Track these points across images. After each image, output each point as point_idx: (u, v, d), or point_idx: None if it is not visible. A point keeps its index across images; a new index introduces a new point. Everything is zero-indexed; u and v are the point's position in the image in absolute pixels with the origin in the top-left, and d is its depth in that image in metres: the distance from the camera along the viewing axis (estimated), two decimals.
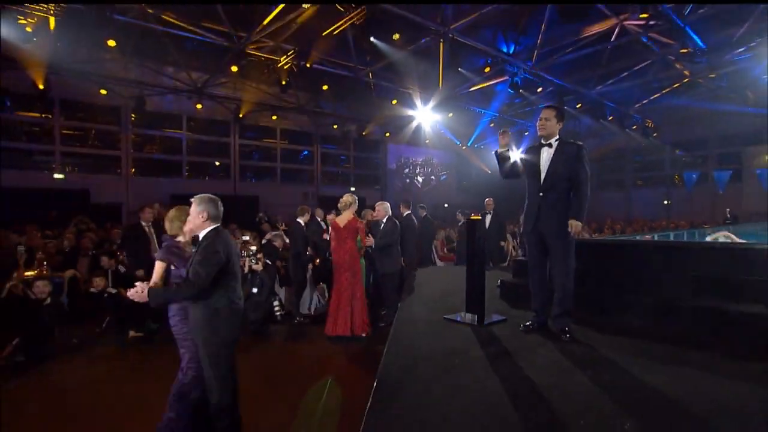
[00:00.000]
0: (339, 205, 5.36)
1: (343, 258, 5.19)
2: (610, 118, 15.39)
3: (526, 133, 18.17)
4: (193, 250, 2.81)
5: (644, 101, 14.89)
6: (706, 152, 16.31)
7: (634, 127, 16.11)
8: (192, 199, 2.81)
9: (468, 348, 3.05)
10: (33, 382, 4.34)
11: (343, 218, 5.27)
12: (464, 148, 19.21)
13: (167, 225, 3.16)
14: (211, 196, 2.87)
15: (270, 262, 6.40)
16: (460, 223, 8.90)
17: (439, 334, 3.38)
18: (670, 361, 2.69)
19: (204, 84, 12.78)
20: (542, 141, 3.31)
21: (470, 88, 14.21)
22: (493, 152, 3.53)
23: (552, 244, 3.17)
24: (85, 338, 5.36)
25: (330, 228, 5.70)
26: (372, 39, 10.03)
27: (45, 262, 5.93)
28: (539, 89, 13.22)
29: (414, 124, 15.88)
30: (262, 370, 4.49)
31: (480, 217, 3.93)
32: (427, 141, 18.16)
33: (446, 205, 18.53)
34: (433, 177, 19.97)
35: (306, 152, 16.67)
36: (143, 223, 6.07)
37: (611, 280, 3.97)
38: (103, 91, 11.57)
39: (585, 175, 3.16)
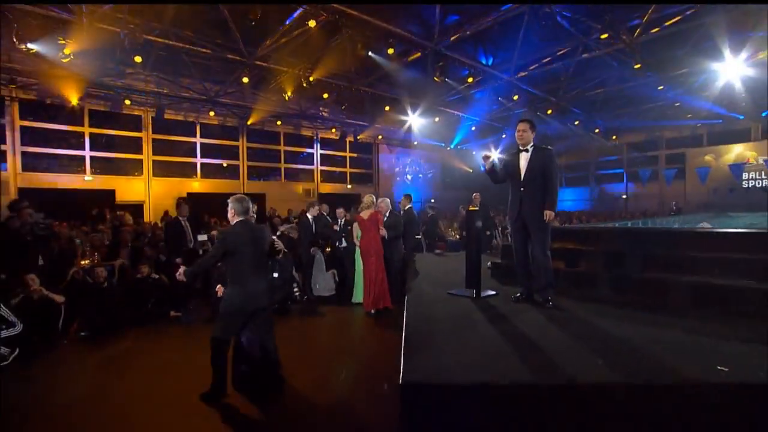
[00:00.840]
0: (362, 205, 5.85)
1: (370, 244, 5.66)
2: (576, 122, 16.05)
3: (504, 136, 18.77)
4: None
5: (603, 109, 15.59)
6: (656, 153, 17.05)
7: (597, 130, 16.80)
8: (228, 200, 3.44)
9: (470, 313, 3.52)
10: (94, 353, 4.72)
11: (366, 213, 5.80)
12: (448, 149, 19.78)
13: None
14: (240, 195, 3.46)
15: (286, 251, 6.79)
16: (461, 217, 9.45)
17: (447, 304, 3.85)
18: (627, 319, 3.21)
19: (216, 94, 13.02)
20: (519, 147, 3.79)
21: (454, 96, 14.75)
22: (484, 171, 3.95)
23: (532, 229, 3.67)
24: (134, 317, 5.70)
25: (356, 223, 6.12)
26: (370, 53, 10.39)
27: (96, 253, 6.25)
28: (515, 97, 13.72)
29: (404, 127, 16.40)
30: (292, 338, 4.94)
31: (477, 208, 4.38)
32: (415, 143, 18.68)
33: (432, 201, 19.07)
34: (420, 175, 20.45)
35: (306, 153, 16.97)
36: (181, 219, 6.42)
37: (584, 260, 4.49)
38: (128, 102, 11.74)
39: (554, 173, 3.68)
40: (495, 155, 3.97)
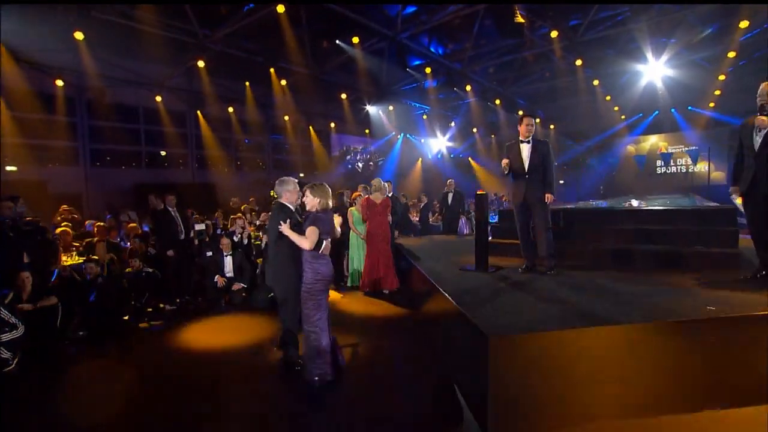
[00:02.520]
0: (372, 187, 6.18)
1: (380, 228, 6.06)
2: (520, 112, 17.54)
3: (452, 124, 19.94)
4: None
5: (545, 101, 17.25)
6: (590, 144, 19.16)
7: (538, 120, 18.49)
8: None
9: (493, 283, 4.19)
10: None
11: (378, 197, 6.14)
12: (397, 137, 20.49)
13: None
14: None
15: None
16: (422, 204, 10.10)
17: (467, 278, 4.47)
18: (605, 278, 4.11)
19: (164, 77, 12.38)
20: (521, 139, 4.47)
21: (407, 85, 15.45)
22: (502, 165, 4.55)
23: (536, 210, 4.41)
24: (131, 312, 5.61)
25: (352, 207, 6.45)
26: (338, 42, 10.62)
27: (73, 248, 5.99)
28: (468, 87, 14.69)
29: (357, 115, 16.79)
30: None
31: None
32: (366, 131, 19.13)
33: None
34: (371, 163, 20.94)
35: (257, 141, 16.67)
36: (170, 208, 6.35)
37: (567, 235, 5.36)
38: (60, 82, 10.78)
39: (552, 162, 4.44)
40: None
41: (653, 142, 17.91)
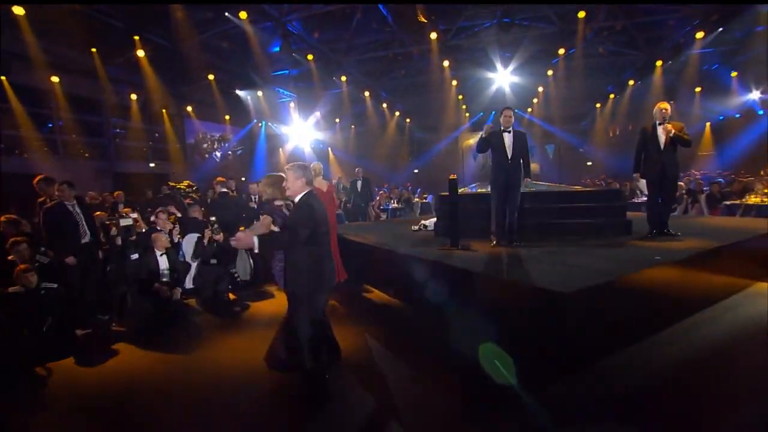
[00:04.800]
0: (313, 172, 5.88)
1: (332, 219, 5.84)
2: (385, 105, 18.82)
3: (317, 114, 19.91)
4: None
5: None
6: (437, 135, 21.74)
7: (397, 113, 20.09)
8: (287, 167, 3.18)
9: (485, 258, 4.74)
10: None
11: (323, 183, 5.90)
12: (259, 125, 19.42)
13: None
14: (302, 162, 3.26)
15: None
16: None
17: (455, 256, 4.91)
18: (556, 247, 5.13)
19: None
20: (502, 128, 5.16)
21: (282, 71, 14.91)
22: (481, 136, 5.15)
23: (513, 193, 5.17)
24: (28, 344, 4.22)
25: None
26: (227, 14, 9.59)
27: None
28: (344, 78, 15.01)
29: (219, 100, 15.32)
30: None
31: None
32: (227, 117, 17.60)
33: (243, 179, 18.48)
34: (230, 153, 19.35)
35: (96, 122, 13.62)
36: (67, 204, 4.96)
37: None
38: None
39: (528, 150, 5.25)
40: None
41: None
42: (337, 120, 20.23)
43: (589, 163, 20.08)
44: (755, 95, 15.81)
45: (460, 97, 17.88)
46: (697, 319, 4.10)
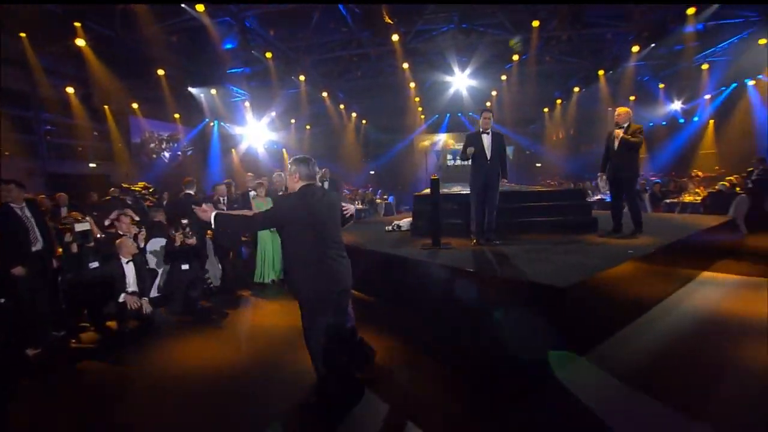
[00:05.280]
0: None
1: None
2: (342, 106, 18.69)
3: (273, 114, 19.35)
4: None
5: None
6: (395, 136, 21.92)
7: (354, 114, 20.01)
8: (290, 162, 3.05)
9: (471, 257, 4.84)
10: None
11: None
12: (211, 124, 18.56)
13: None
14: (302, 156, 3.05)
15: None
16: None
17: (440, 255, 4.97)
18: (535, 243, 5.35)
19: None
20: (481, 130, 5.29)
21: (238, 68, 14.34)
22: (467, 151, 5.23)
23: (492, 193, 5.30)
24: None
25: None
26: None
27: None
28: (302, 77, 14.71)
29: (168, 98, 14.43)
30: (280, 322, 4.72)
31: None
32: (177, 116, 16.66)
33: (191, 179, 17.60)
34: (179, 153, 18.31)
35: (27, 118, 12.33)
36: (14, 206, 4.45)
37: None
38: None
39: (505, 151, 5.39)
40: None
41: (444, 139, 22.04)
42: (293, 120, 19.79)
43: (539, 165, 21.15)
44: (677, 105, 17.51)
45: (417, 99, 18.11)
46: (666, 305, 4.46)
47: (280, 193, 2.43)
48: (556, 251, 4.84)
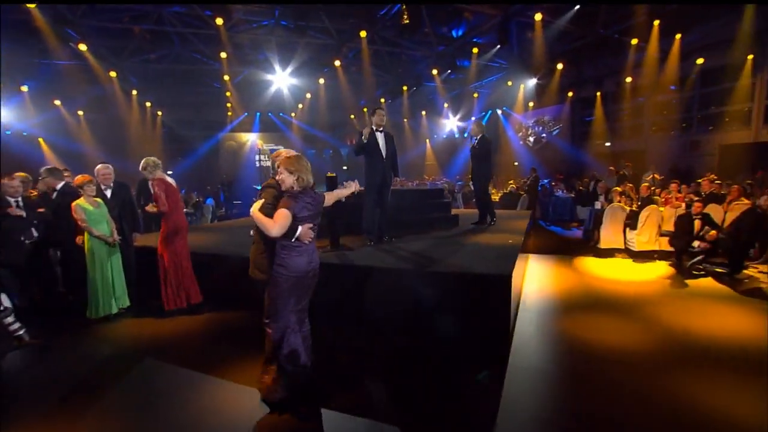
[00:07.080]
0: (156, 165, 4.43)
1: (181, 220, 4.56)
2: (149, 105, 15.36)
3: (24, 89, 14.21)
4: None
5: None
6: (199, 133, 19.43)
7: (148, 104, 16.77)
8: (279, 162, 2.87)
9: (381, 255, 4.74)
10: None
11: (167, 177, 4.57)
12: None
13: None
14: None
15: None
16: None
17: (345, 255, 4.70)
18: (415, 240, 5.72)
19: None
20: (375, 128, 5.17)
21: None
22: (362, 140, 4.99)
23: (386, 191, 5.27)
24: None
25: (159, 188, 4.41)
26: None
27: None
28: (83, 46, 11.37)
29: None
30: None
31: (334, 175, 5.10)
32: None
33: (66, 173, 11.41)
34: None
35: None
36: (10, 199, 4.13)
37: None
38: None
39: (396, 150, 5.40)
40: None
41: (253, 139, 20.75)
42: (58, 102, 15.12)
43: (345, 168, 22.31)
44: (454, 123, 21.43)
45: (228, 93, 16.56)
46: None
47: None
48: (455, 245, 5.09)
